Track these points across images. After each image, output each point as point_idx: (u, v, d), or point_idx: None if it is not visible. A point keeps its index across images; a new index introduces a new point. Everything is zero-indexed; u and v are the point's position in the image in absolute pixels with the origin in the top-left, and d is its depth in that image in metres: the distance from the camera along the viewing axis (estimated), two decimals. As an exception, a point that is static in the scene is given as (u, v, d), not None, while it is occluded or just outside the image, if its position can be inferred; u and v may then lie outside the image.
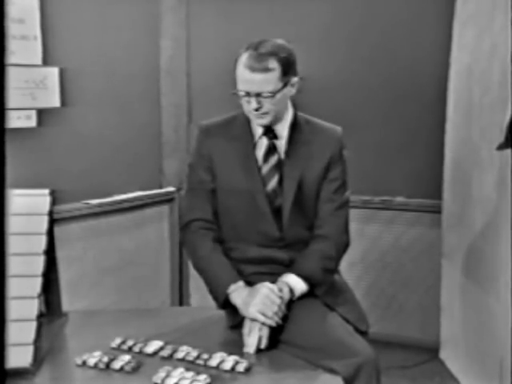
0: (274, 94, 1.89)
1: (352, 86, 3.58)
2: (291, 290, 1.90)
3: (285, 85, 1.92)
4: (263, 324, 1.82)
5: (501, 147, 2.44)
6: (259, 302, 1.82)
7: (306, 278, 1.92)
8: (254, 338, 1.82)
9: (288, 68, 1.92)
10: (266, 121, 1.95)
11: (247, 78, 1.88)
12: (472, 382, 2.93)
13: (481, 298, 2.84)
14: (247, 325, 1.84)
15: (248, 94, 1.90)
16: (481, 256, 2.84)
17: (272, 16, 3.63)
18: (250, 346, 1.82)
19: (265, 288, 1.85)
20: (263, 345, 1.82)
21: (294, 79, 1.96)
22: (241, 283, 1.92)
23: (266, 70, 1.87)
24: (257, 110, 1.91)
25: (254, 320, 1.83)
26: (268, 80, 1.88)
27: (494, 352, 2.64)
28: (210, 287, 1.97)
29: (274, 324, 1.82)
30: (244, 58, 1.89)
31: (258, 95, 1.89)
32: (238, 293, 1.89)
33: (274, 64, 1.88)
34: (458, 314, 3.13)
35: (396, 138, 3.55)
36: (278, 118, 1.99)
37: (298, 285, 1.91)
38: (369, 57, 3.54)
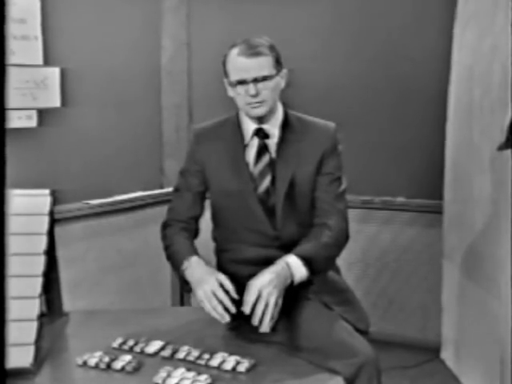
0: (270, 77, 1.92)
1: (353, 86, 3.58)
2: (291, 275, 1.85)
3: (278, 73, 1.96)
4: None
5: (501, 148, 2.44)
6: (206, 289, 1.79)
7: (307, 262, 1.87)
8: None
9: (278, 57, 1.97)
10: (262, 110, 1.95)
11: (243, 65, 1.91)
12: (473, 382, 2.93)
13: (481, 298, 2.84)
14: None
15: (244, 82, 1.91)
16: (481, 256, 2.84)
17: (273, 16, 3.63)
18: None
19: (213, 278, 1.82)
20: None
21: (284, 71, 2.00)
22: (192, 259, 1.90)
23: (261, 54, 1.92)
24: (254, 96, 1.91)
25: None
26: (263, 64, 1.92)
27: (495, 352, 2.65)
28: (176, 271, 1.98)
29: (217, 317, 1.77)
30: (235, 50, 1.94)
31: (254, 81, 1.91)
32: (190, 270, 1.89)
33: (266, 50, 1.93)
34: (459, 314, 3.14)
35: (397, 139, 3.55)
36: (269, 114, 1.99)
37: (298, 267, 1.86)
38: (370, 57, 3.54)
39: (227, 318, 1.77)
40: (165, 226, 2.11)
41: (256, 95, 1.91)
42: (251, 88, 1.91)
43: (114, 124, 3.51)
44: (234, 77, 1.93)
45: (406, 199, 3.55)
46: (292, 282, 1.85)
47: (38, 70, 3.08)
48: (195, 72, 3.86)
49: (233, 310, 1.78)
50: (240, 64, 1.91)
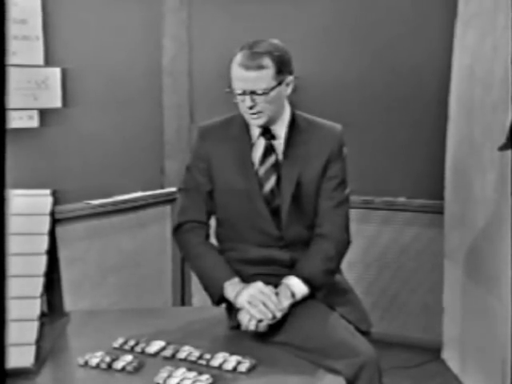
0: (267, 91, 1.90)
1: (354, 86, 3.58)
2: (293, 294, 1.89)
3: (279, 83, 1.93)
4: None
5: (502, 148, 2.44)
6: (250, 293, 1.84)
7: (307, 281, 1.91)
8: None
9: (282, 66, 1.93)
10: (260, 121, 1.95)
11: (241, 76, 1.90)
12: (474, 382, 2.93)
13: (483, 298, 2.84)
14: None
15: (243, 93, 1.91)
16: (483, 256, 2.84)
17: (274, 16, 3.63)
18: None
19: (259, 283, 1.88)
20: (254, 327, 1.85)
21: (289, 78, 1.97)
22: (236, 279, 1.92)
23: (260, 67, 1.89)
24: (251, 108, 1.91)
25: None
26: (262, 78, 1.89)
27: (496, 352, 2.64)
28: (206, 284, 1.99)
29: (260, 316, 1.82)
30: (238, 57, 1.92)
31: (252, 93, 1.90)
32: (232, 287, 1.91)
33: (267, 62, 1.90)
34: (460, 314, 3.14)
35: (398, 139, 3.55)
36: (274, 118, 1.99)
37: (300, 288, 1.91)
38: (371, 57, 3.54)
39: (264, 324, 1.83)
40: (181, 228, 2.06)
41: (252, 107, 1.91)
42: (247, 100, 1.90)
43: (114, 124, 3.51)
44: (233, 86, 1.93)
45: (406, 199, 3.55)
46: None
47: (39, 71, 3.08)
48: (196, 72, 3.86)
49: (277, 313, 1.83)
50: (239, 75, 1.90)
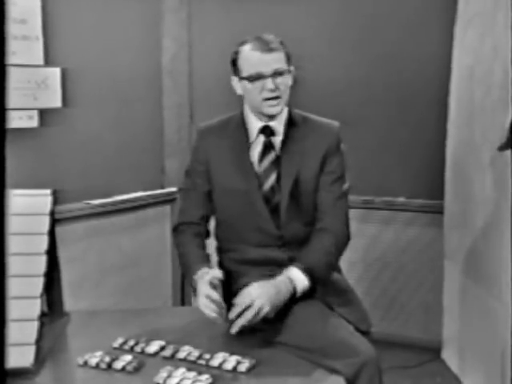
0: (286, 72, 1.93)
1: (355, 86, 3.58)
2: (294, 288, 1.88)
3: (289, 69, 1.97)
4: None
5: (502, 148, 2.44)
6: (199, 299, 1.83)
7: (308, 273, 1.89)
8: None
9: (288, 53, 1.98)
10: (278, 108, 1.96)
11: (260, 59, 1.91)
12: (474, 381, 2.93)
13: (482, 298, 2.84)
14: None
15: (261, 77, 1.91)
16: (482, 256, 2.84)
17: (275, 16, 3.63)
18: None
19: (205, 279, 1.85)
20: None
21: (292, 68, 2.00)
22: (204, 270, 1.91)
23: (276, 49, 1.92)
24: (273, 91, 1.91)
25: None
26: (279, 58, 1.93)
27: (496, 352, 2.64)
28: (187, 278, 2.00)
29: (213, 315, 1.79)
30: (248, 46, 1.94)
31: (273, 75, 1.91)
32: (199, 282, 1.89)
33: (279, 46, 1.94)
34: (460, 314, 3.14)
35: (398, 139, 3.55)
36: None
37: (300, 280, 1.88)
38: (372, 58, 3.54)
39: (221, 319, 1.79)
40: (177, 230, 2.10)
41: (274, 90, 1.92)
42: (269, 82, 1.91)
43: (114, 124, 3.51)
44: (249, 71, 1.93)
45: (406, 199, 3.55)
46: (295, 293, 1.87)
47: (39, 70, 3.08)
48: (196, 72, 3.86)
49: (222, 304, 1.79)
50: (256, 59, 1.91)
